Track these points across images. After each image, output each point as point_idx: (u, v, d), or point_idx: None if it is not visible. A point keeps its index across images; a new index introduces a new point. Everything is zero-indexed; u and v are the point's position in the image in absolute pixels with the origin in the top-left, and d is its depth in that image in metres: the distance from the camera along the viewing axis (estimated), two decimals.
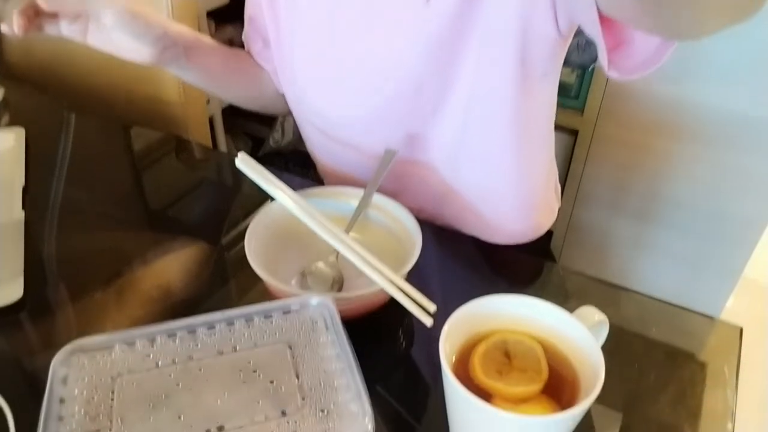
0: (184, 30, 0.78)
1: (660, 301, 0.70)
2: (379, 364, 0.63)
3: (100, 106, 1.30)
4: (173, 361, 0.50)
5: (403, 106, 0.76)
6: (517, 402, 0.48)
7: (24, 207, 0.79)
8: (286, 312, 0.55)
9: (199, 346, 0.51)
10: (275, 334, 0.53)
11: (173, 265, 0.74)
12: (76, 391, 0.47)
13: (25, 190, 0.83)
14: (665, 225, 1.62)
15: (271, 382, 0.49)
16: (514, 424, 0.45)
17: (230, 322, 0.53)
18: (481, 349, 0.51)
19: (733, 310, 1.64)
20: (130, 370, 0.49)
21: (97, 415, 0.45)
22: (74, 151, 0.96)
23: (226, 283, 0.72)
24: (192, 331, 0.52)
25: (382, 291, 0.59)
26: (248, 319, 0.54)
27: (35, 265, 0.71)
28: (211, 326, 0.53)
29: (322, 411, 0.47)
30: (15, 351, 0.63)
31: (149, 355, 0.50)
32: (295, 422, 0.46)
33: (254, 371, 0.50)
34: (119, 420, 0.45)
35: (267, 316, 0.54)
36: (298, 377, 0.50)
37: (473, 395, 0.44)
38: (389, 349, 0.65)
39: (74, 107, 1.08)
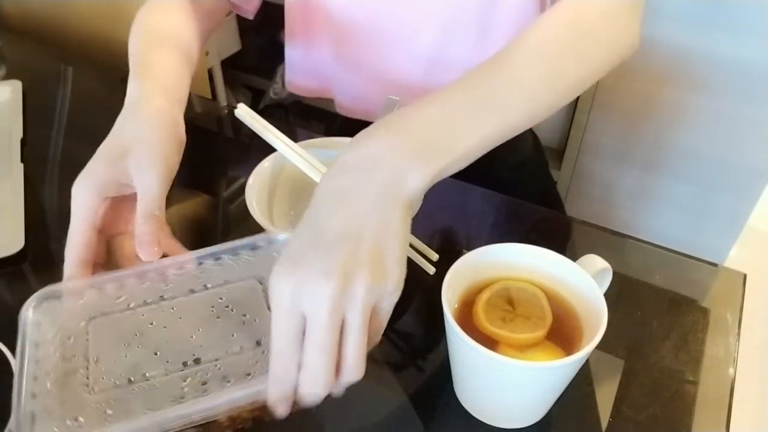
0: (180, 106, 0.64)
1: (663, 248, 0.70)
2: None
3: (97, 57, 1.28)
4: (145, 302, 0.50)
5: None
6: (521, 349, 0.48)
7: (23, 159, 0.79)
8: (254, 248, 0.54)
9: (169, 286, 0.51)
10: (244, 270, 0.53)
11: (173, 217, 0.74)
12: (50, 335, 0.47)
13: (24, 143, 0.82)
14: (670, 174, 1.61)
15: (244, 315, 0.50)
16: (520, 371, 0.45)
17: (199, 262, 0.53)
18: (484, 297, 0.51)
19: (736, 259, 1.64)
20: (102, 313, 0.49)
21: (72, 356, 0.46)
22: (72, 103, 0.94)
23: (227, 234, 0.72)
24: (161, 272, 0.52)
25: None
26: (216, 257, 0.54)
27: (36, 217, 0.71)
28: (180, 267, 0.53)
29: None
30: (17, 301, 0.63)
31: (120, 297, 0.50)
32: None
33: (227, 306, 0.50)
34: (95, 359, 0.46)
35: (235, 253, 0.54)
36: (270, 309, 0.50)
37: (478, 344, 0.44)
38: None
39: (71, 59, 1.06)
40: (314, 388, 0.41)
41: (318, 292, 0.39)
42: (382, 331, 0.44)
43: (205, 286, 0.52)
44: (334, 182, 0.45)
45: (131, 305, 0.50)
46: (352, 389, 0.55)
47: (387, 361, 0.58)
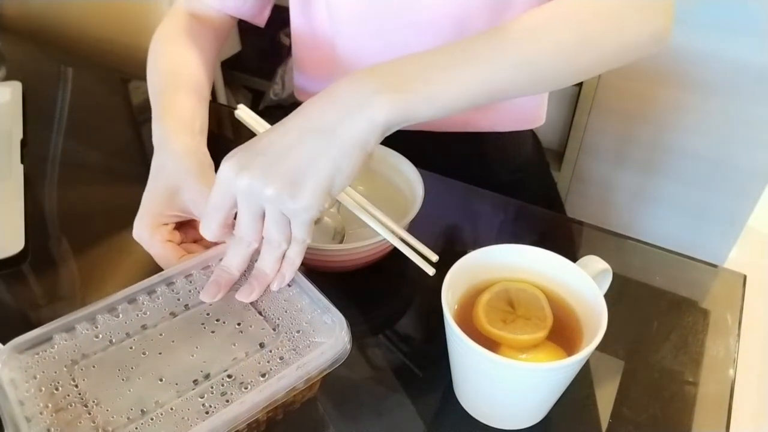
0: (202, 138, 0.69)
1: (663, 249, 0.70)
2: (381, 314, 0.63)
3: (98, 59, 1.28)
4: (127, 335, 0.48)
5: None
6: (522, 350, 0.48)
7: (23, 161, 0.79)
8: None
9: (147, 313, 0.50)
10: None
11: None
12: (32, 389, 0.44)
13: (24, 144, 0.82)
14: (670, 175, 1.61)
15: (238, 324, 0.49)
16: (520, 372, 0.45)
17: (169, 283, 0.52)
18: (484, 299, 0.51)
19: (736, 260, 1.64)
20: (84, 355, 0.46)
21: (67, 405, 0.43)
22: (72, 104, 0.94)
23: None
24: (132, 300, 0.50)
25: (385, 241, 0.58)
26: (187, 275, 0.53)
27: (36, 218, 0.71)
28: (151, 291, 0.51)
29: (298, 332, 0.48)
30: (17, 302, 0.63)
31: (98, 336, 0.48)
32: (277, 348, 0.47)
33: (217, 320, 0.50)
34: (94, 402, 0.43)
35: (205, 267, 0.54)
36: (261, 313, 0.50)
37: (480, 346, 0.44)
38: (392, 299, 0.65)
39: (71, 60, 1.06)
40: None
41: (240, 183, 0.47)
42: (303, 243, 0.50)
43: (186, 306, 0.50)
44: (304, 106, 0.50)
45: (113, 341, 0.47)
46: (353, 389, 0.55)
47: (387, 362, 0.58)
